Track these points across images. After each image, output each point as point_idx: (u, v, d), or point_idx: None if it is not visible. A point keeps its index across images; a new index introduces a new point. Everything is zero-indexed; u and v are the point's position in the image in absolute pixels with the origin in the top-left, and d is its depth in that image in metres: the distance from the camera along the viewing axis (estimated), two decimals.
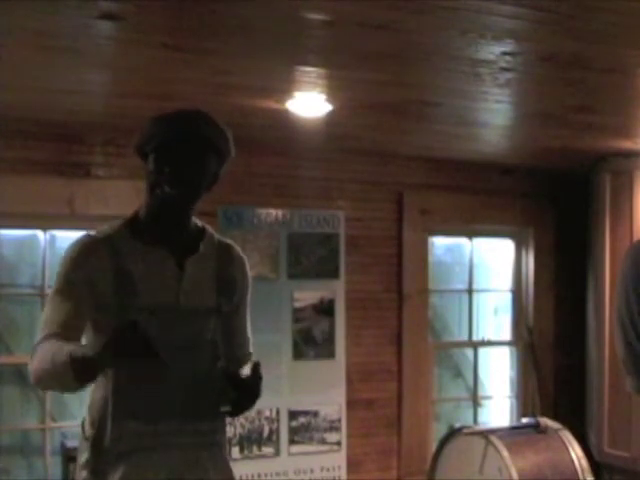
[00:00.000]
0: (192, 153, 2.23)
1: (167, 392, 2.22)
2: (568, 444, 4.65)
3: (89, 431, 2.26)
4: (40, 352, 2.16)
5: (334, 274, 4.99)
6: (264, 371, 2.26)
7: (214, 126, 2.28)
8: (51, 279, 2.93)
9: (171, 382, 2.22)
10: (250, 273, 2.52)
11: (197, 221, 2.40)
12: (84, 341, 2.29)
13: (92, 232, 2.32)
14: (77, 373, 2.05)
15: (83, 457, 2.27)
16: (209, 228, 2.43)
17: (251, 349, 2.55)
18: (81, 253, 2.26)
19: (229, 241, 2.49)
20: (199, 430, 2.29)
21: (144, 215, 2.31)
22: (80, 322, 2.24)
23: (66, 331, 2.19)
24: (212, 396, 2.28)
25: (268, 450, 4.80)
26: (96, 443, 2.23)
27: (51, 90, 3.58)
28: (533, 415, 5.34)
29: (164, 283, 2.27)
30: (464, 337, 5.74)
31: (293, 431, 4.86)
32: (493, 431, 4.64)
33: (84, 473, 2.25)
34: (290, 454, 4.86)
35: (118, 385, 2.20)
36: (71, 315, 2.21)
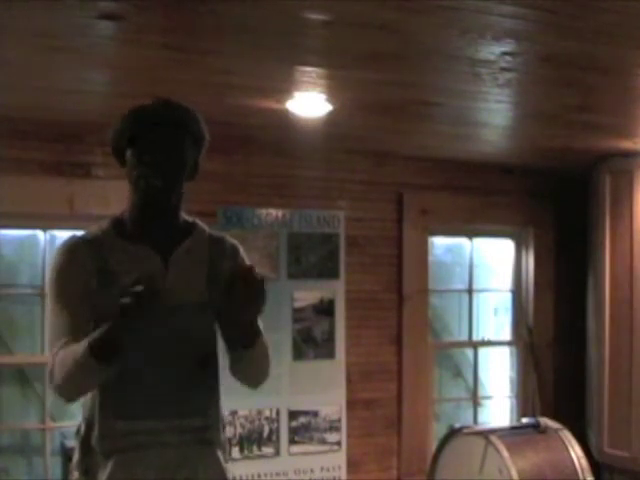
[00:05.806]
0: (167, 136, 2.21)
1: (153, 390, 2.19)
2: (568, 444, 4.64)
3: (81, 431, 2.26)
4: (59, 362, 2.13)
5: (334, 274, 4.99)
6: None
7: (184, 109, 2.28)
8: None
9: (157, 380, 2.20)
10: (248, 260, 2.40)
11: (187, 217, 2.37)
12: None
13: (79, 233, 2.31)
14: (98, 354, 2.03)
15: (75, 457, 2.27)
16: (200, 223, 2.39)
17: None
18: (66, 261, 2.25)
19: (221, 234, 2.44)
20: (188, 428, 2.23)
21: (128, 213, 2.30)
22: (85, 326, 2.18)
23: (76, 336, 2.15)
24: (201, 392, 2.26)
25: (268, 450, 4.79)
26: (85, 443, 2.23)
27: (51, 90, 3.58)
28: (533, 415, 5.34)
29: None
30: (464, 337, 5.73)
31: (293, 431, 4.86)
32: (493, 431, 4.64)
33: (76, 474, 2.25)
34: (290, 454, 4.85)
35: (105, 384, 2.18)
36: (75, 321, 2.19)
